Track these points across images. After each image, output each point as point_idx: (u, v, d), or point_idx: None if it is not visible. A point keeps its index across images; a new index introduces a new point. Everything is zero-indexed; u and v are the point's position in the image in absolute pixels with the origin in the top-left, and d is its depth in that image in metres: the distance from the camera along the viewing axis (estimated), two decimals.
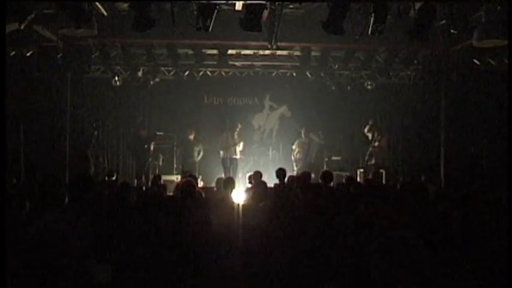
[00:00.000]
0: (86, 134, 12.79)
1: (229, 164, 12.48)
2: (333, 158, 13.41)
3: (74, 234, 3.67)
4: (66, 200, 4.97)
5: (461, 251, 3.57)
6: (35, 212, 4.86)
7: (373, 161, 12.57)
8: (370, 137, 13.10)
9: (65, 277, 3.33)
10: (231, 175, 11.69)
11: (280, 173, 8.69)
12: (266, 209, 5.37)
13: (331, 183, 8.29)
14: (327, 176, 8.20)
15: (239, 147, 12.88)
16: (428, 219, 4.56)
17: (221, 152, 12.84)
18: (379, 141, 12.79)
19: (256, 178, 8.80)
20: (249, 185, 9.13)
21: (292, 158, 13.54)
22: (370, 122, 13.32)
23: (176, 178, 11.84)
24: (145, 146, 12.81)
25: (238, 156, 12.82)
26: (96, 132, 12.83)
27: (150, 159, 12.79)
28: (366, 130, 13.24)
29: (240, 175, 12.56)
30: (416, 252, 2.36)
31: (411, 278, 2.25)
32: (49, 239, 3.53)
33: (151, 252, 4.07)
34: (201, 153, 13.27)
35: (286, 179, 8.73)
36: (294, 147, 13.60)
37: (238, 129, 12.99)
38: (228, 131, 12.87)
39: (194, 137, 13.29)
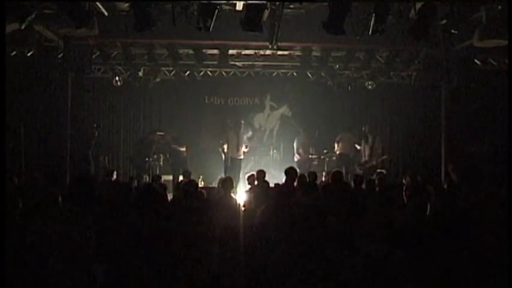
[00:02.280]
0: (87, 134, 12.79)
1: (231, 164, 12.36)
2: (334, 158, 13.36)
3: (75, 233, 3.68)
4: (67, 199, 4.97)
5: (461, 251, 3.57)
6: (36, 211, 4.85)
7: (373, 162, 12.55)
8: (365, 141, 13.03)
9: (67, 276, 3.33)
10: (234, 175, 11.66)
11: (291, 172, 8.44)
12: (268, 209, 5.36)
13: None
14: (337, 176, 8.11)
15: (245, 149, 12.75)
16: (427, 219, 4.56)
17: (223, 154, 12.74)
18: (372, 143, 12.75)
19: (260, 177, 8.71)
20: (249, 186, 9.09)
21: (295, 159, 13.42)
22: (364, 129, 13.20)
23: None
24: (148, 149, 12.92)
25: (242, 157, 12.71)
26: (97, 133, 12.83)
27: (151, 159, 12.80)
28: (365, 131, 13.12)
29: (240, 175, 12.51)
30: (396, 266, 2.40)
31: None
32: (50, 238, 3.53)
33: (152, 252, 4.07)
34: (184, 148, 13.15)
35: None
36: (295, 145, 13.47)
37: (242, 128, 12.72)
38: (231, 130, 12.68)
39: (172, 137, 13.19)
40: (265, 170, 9.11)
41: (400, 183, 9.17)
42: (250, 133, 13.77)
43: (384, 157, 12.68)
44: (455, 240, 3.74)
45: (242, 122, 12.86)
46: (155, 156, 12.93)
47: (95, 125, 12.99)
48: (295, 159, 13.16)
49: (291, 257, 3.96)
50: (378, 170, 11.95)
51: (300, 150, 13.22)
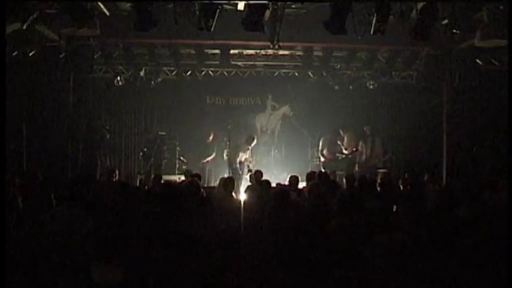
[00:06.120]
0: (97, 135, 12.82)
1: (234, 166, 12.42)
2: (338, 158, 13.35)
3: (76, 232, 3.68)
4: (68, 200, 4.97)
5: (462, 251, 3.57)
6: (37, 211, 4.87)
7: (373, 162, 12.59)
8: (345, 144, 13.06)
9: (68, 275, 3.34)
10: (241, 176, 11.76)
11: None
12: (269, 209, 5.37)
13: None
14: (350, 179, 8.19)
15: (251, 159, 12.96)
16: (428, 219, 4.55)
17: (225, 155, 12.86)
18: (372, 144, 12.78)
19: (257, 177, 8.77)
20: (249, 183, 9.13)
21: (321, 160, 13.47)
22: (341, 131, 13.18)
23: (178, 178, 11.84)
24: (145, 149, 12.98)
25: (243, 159, 12.79)
26: (108, 135, 12.88)
27: (153, 159, 12.82)
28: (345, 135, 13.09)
29: (243, 175, 12.53)
30: (409, 253, 2.40)
31: (405, 277, 2.29)
32: (51, 237, 3.54)
33: (153, 252, 4.08)
34: (213, 155, 13.49)
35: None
36: (320, 146, 13.51)
37: (254, 143, 12.86)
38: (245, 144, 12.79)
39: (213, 139, 13.53)
40: (266, 169, 9.16)
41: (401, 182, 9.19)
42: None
43: (387, 156, 12.68)
44: (454, 241, 3.74)
45: (255, 137, 13.03)
46: (157, 156, 13.00)
47: (107, 127, 13.04)
48: (321, 160, 13.33)
49: (291, 257, 3.97)
50: (381, 170, 12.01)
51: (325, 151, 13.27)
